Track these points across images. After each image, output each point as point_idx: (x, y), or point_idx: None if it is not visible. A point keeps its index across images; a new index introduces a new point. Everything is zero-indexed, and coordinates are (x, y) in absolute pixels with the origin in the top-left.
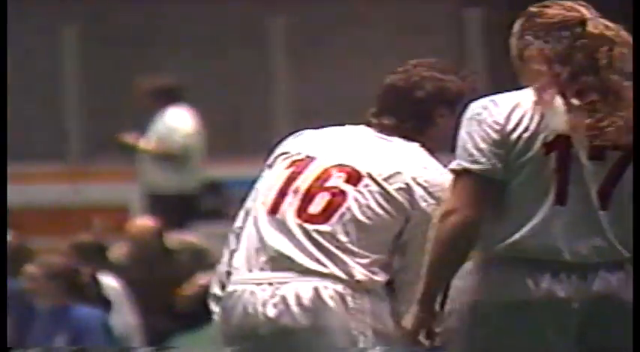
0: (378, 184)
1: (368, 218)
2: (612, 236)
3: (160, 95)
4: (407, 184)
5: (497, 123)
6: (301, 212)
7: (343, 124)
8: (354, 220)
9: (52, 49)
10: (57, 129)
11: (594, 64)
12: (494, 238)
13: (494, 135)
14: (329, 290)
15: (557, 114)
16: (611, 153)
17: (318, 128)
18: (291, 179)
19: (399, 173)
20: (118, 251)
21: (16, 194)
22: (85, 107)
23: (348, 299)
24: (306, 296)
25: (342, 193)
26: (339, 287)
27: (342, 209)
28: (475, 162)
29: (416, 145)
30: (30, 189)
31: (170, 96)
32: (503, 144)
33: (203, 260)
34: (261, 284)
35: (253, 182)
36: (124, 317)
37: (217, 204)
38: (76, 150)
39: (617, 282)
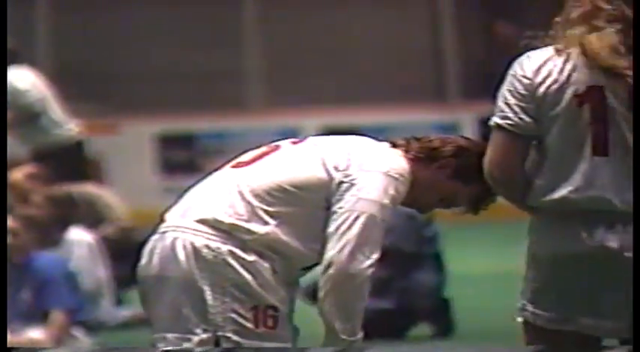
0: (316, 151)
1: (284, 167)
2: None
3: None
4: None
5: (526, 77)
6: (238, 163)
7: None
8: (269, 165)
9: None
10: None
11: None
12: (542, 193)
13: (522, 90)
14: (184, 241)
15: (590, 67)
16: None
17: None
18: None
19: (346, 155)
20: None
21: None
22: None
23: (203, 250)
24: (166, 247)
25: (277, 146)
26: (198, 237)
27: (268, 156)
28: (504, 117)
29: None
30: None
31: (9, 59)
32: (532, 98)
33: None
34: (154, 234)
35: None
36: (93, 271)
37: (188, 156)
38: None
39: None
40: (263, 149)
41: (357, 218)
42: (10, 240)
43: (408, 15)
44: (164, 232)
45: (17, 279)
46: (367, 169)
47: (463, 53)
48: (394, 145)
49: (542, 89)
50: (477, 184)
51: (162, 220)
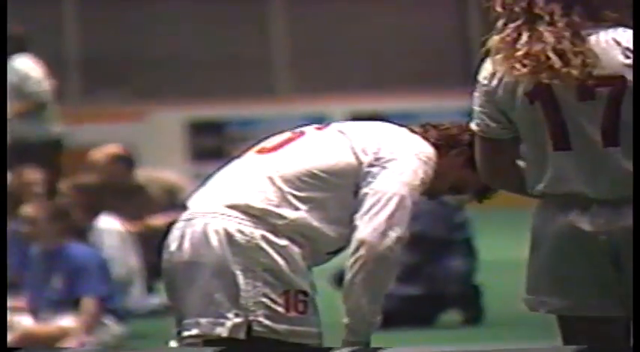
0: (343, 136)
1: (312, 153)
2: (632, 170)
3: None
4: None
5: (484, 84)
6: (262, 148)
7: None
8: (296, 151)
9: None
10: None
11: None
12: (529, 186)
13: (483, 95)
14: (216, 226)
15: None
16: (600, 91)
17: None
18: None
19: (375, 139)
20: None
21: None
22: None
23: (236, 234)
24: (197, 232)
25: (302, 132)
26: (230, 222)
27: (294, 142)
28: (475, 124)
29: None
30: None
31: (16, 46)
32: (492, 102)
33: (174, 196)
34: (182, 220)
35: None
36: (125, 260)
37: (216, 143)
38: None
39: None
40: (287, 135)
41: (390, 199)
42: (30, 228)
43: (434, 1)
44: (191, 218)
45: (47, 267)
46: (398, 152)
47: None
48: (412, 132)
49: (499, 93)
50: None
51: (185, 207)
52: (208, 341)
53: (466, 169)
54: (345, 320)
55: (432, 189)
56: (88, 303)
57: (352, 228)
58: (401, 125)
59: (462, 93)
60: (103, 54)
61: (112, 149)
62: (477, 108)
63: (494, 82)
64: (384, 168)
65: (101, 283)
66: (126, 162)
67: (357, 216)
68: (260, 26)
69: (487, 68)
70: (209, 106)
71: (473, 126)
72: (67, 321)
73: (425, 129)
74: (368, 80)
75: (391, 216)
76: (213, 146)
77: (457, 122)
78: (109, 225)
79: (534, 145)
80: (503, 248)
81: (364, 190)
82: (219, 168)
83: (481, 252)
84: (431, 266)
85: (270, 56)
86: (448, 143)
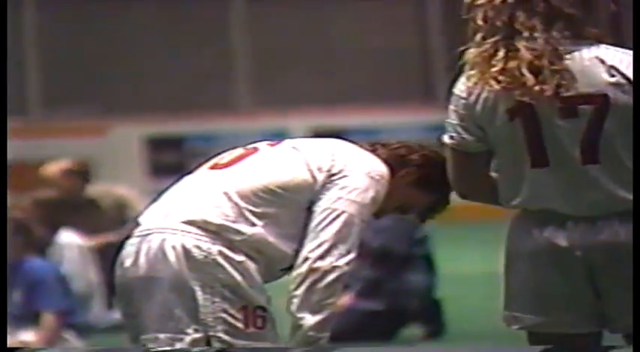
0: (296, 153)
1: (268, 169)
2: (612, 187)
3: None
4: (332, 158)
5: (462, 97)
6: (214, 164)
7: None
8: (251, 167)
9: None
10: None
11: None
12: (504, 201)
13: (461, 109)
14: (173, 241)
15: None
16: (583, 109)
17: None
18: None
19: (329, 157)
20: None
21: None
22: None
23: (193, 250)
24: (154, 248)
25: (255, 148)
26: (187, 238)
27: (248, 158)
28: (450, 136)
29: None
30: None
31: None
32: (469, 116)
33: (126, 211)
34: (136, 236)
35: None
36: (85, 274)
37: (176, 158)
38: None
39: (626, 232)
40: (240, 151)
41: (337, 216)
42: None
43: (396, 15)
44: (146, 234)
45: (10, 280)
46: (350, 170)
47: (451, 52)
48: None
49: (477, 107)
50: (435, 194)
51: (137, 223)
52: None
53: (413, 190)
54: (289, 334)
55: (378, 208)
56: (48, 318)
57: (299, 244)
58: (359, 141)
59: (423, 109)
60: (62, 68)
61: (64, 163)
62: (452, 121)
63: (473, 97)
64: (335, 184)
65: (61, 297)
66: (80, 176)
67: (306, 231)
68: (220, 39)
69: (465, 82)
70: (169, 121)
71: (446, 139)
72: (27, 336)
73: (374, 147)
74: (329, 95)
75: (337, 233)
76: (172, 161)
77: (406, 142)
78: (69, 239)
79: (511, 161)
80: (463, 261)
81: (314, 207)
82: (171, 185)
83: (441, 266)
84: (392, 281)
85: (230, 71)
86: (396, 163)
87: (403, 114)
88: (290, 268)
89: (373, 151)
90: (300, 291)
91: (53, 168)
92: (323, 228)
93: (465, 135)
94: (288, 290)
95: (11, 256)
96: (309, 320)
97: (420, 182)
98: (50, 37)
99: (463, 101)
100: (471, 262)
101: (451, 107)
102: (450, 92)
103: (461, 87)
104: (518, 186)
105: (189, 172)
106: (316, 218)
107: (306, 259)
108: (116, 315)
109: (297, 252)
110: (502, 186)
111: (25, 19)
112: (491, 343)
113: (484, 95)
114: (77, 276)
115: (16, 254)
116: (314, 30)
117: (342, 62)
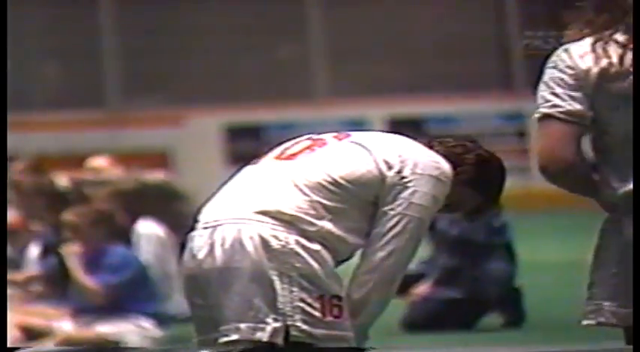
0: (364, 148)
1: (337, 162)
2: None
3: None
4: (401, 157)
5: (570, 67)
6: (281, 154)
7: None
8: (320, 159)
9: None
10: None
11: None
12: (610, 188)
13: (569, 79)
14: (250, 232)
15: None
16: None
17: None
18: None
19: (397, 154)
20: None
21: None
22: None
23: (271, 240)
24: (229, 238)
25: (323, 140)
26: (264, 228)
27: (315, 149)
28: (553, 106)
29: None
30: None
31: None
32: (581, 87)
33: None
34: (206, 227)
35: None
36: (163, 264)
37: (255, 147)
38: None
39: None
40: (307, 142)
41: (408, 222)
42: (69, 233)
43: (473, 3)
44: (217, 225)
45: (85, 272)
46: (420, 172)
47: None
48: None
49: (591, 79)
50: (484, 195)
51: (200, 213)
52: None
53: (465, 189)
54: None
55: None
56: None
57: (368, 243)
58: (435, 130)
59: (501, 96)
60: (142, 59)
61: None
62: (559, 90)
63: (584, 68)
64: (405, 187)
65: (141, 284)
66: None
67: (375, 234)
68: (298, 29)
69: (574, 54)
70: (247, 111)
71: (546, 110)
72: (106, 328)
73: (430, 144)
74: (406, 83)
75: (408, 240)
76: (251, 150)
77: (461, 140)
78: (147, 229)
79: (629, 138)
80: (543, 250)
81: (384, 209)
82: (233, 175)
83: (521, 254)
84: (471, 270)
85: (308, 59)
86: (451, 161)
87: (481, 102)
88: (346, 260)
89: (430, 148)
90: (370, 295)
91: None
92: (395, 235)
93: (574, 103)
94: (352, 288)
95: (93, 245)
96: (365, 319)
97: (473, 182)
98: (128, 26)
99: (572, 71)
100: (550, 250)
101: (553, 79)
102: (546, 65)
103: (568, 58)
104: (628, 170)
105: (253, 163)
106: (388, 221)
107: (377, 267)
108: None
109: (360, 245)
110: (612, 170)
111: (102, 9)
112: (569, 332)
113: (602, 64)
114: (156, 266)
115: (98, 243)
116: (392, 17)
117: (420, 50)
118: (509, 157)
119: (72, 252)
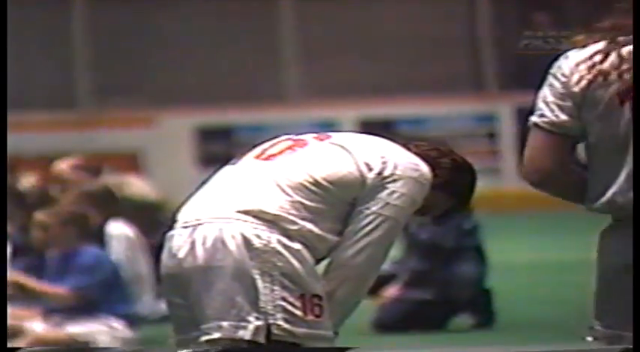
0: (345, 149)
1: (318, 163)
2: None
3: None
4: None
5: (564, 75)
6: (261, 154)
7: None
8: (301, 160)
9: None
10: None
11: None
12: (593, 196)
13: (560, 88)
14: (232, 231)
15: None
16: None
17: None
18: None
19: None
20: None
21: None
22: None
23: (253, 239)
24: (211, 237)
25: (304, 141)
26: (246, 227)
27: (297, 149)
28: (541, 115)
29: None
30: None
31: None
32: (570, 96)
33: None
34: (186, 227)
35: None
36: (134, 265)
37: (225, 149)
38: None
39: None
40: (288, 143)
41: (382, 222)
42: (40, 233)
43: (445, 4)
44: (198, 224)
45: (56, 273)
46: (400, 174)
47: (500, 42)
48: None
49: (580, 88)
50: (457, 199)
51: (179, 213)
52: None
53: (438, 193)
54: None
55: None
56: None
57: (341, 240)
58: (407, 131)
59: (473, 98)
60: (111, 59)
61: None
62: (549, 99)
63: (576, 77)
64: (385, 188)
65: (114, 284)
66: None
67: (348, 231)
68: (269, 31)
69: (569, 62)
70: (218, 112)
71: (535, 119)
72: (76, 328)
73: (407, 147)
74: (378, 85)
75: (380, 239)
76: (222, 152)
77: (437, 144)
78: (117, 230)
79: (613, 148)
80: (513, 252)
81: (360, 207)
82: (211, 174)
83: (492, 256)
84: (442, 272)
85: (279, 61)
86: (427, 164)
87: (452, 104)
88: (322, 259)
89: (407, 150)
90: (339, 292)
91: (62, 165)
92: (367, 233)
93: (560, 114)
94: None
95: (64, 245)
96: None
97: (447, 185)
98: (100, 27)
99: (565, 79)
100: (520, 251)
101: (547, 87)
102: (546, 73)
103: (563, 66)
104: (612, 177)
105: (232, 162)
106: (362, 220)
107: (345, 264)
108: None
109: (335, 245)
110: (593, 178)
111: (74, 11)
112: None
113: (591, 75)
114: (126, 267)
115: (70, 244)
116: (363, 19)
117: (390, 51)
118: (480, 158)
119: (19, 275)
